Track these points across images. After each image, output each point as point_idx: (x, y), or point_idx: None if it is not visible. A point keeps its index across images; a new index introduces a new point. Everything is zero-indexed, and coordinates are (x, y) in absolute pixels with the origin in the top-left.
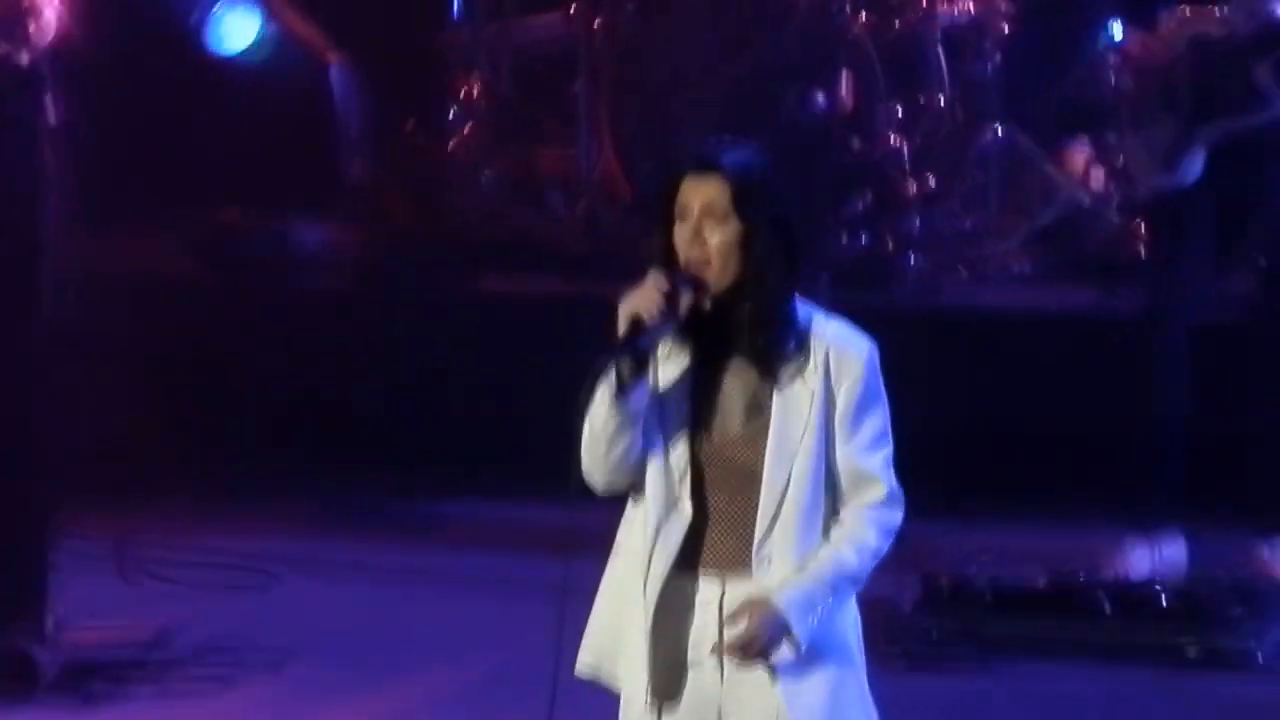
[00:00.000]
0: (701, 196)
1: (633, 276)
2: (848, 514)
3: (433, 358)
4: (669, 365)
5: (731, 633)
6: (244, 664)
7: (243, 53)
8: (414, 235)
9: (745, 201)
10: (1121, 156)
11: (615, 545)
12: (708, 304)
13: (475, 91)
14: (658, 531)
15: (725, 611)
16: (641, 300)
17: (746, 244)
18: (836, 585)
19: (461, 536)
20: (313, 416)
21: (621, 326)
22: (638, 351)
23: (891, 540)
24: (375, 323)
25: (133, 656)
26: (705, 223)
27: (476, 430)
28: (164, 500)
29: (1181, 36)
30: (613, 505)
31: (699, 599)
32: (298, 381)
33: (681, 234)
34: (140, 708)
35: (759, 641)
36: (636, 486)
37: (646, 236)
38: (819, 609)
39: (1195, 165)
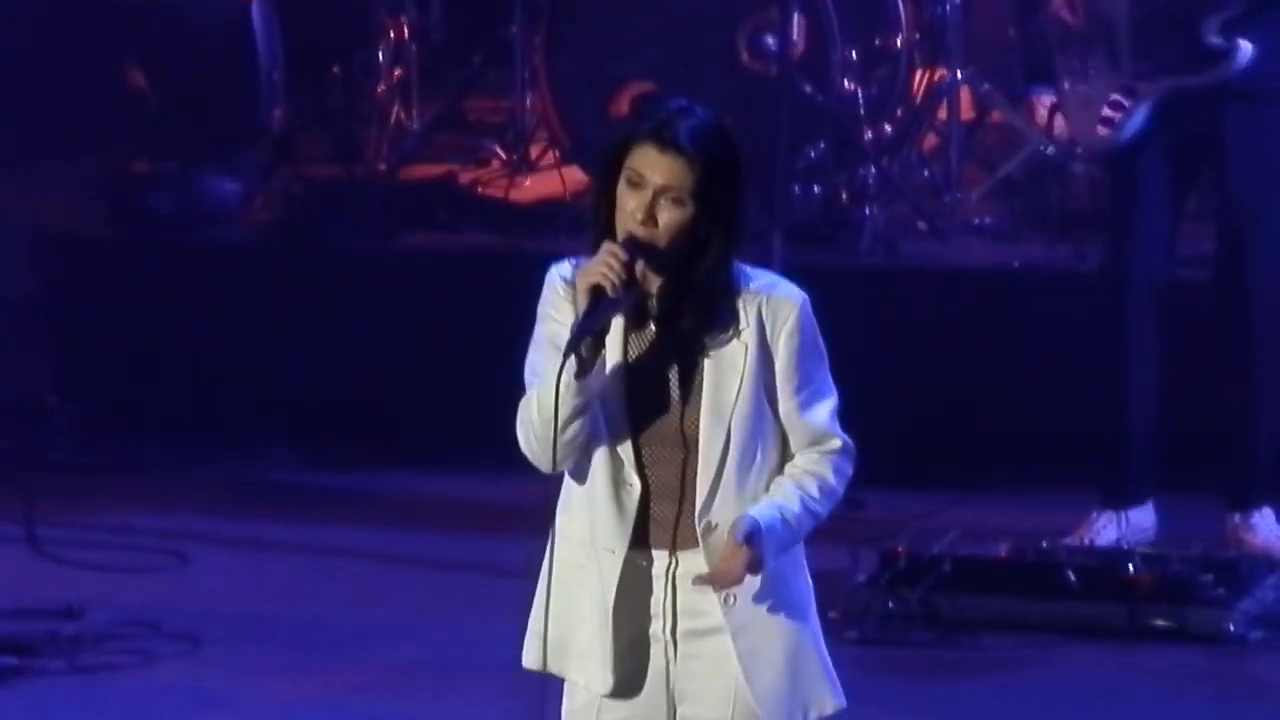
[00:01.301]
0: (662, 175)
1: (570, 229)
2: (801, 457)
3: (356, 317)
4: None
5: (715, 546)
6: (159, 642)
7: None
8: (337, 186)
9: (707, 190)
10: (1062, 113)
11: (554, 531)
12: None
13: (405, 33)
14: (609, 507)
15: (679, 586)
16: (603, 271)
17: (697, 227)
18: (800, 518)
19: (385, 513)
20: (225, 381)
21: (582, 300)
22: (600, 326)
23: (843, 490)
24: (295, 280)
25: (43, 631)
26: (660, 200)
27: (402, 397)
28: (65, 469)
29: None
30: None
31: (653, 574)
32: (209, 343)
33: (629, 202)
34: (53, 684)
35: (742, 570)
36: (579, 467)
37: (585, 190)
38: (785, 537)
39: (1136, 119)
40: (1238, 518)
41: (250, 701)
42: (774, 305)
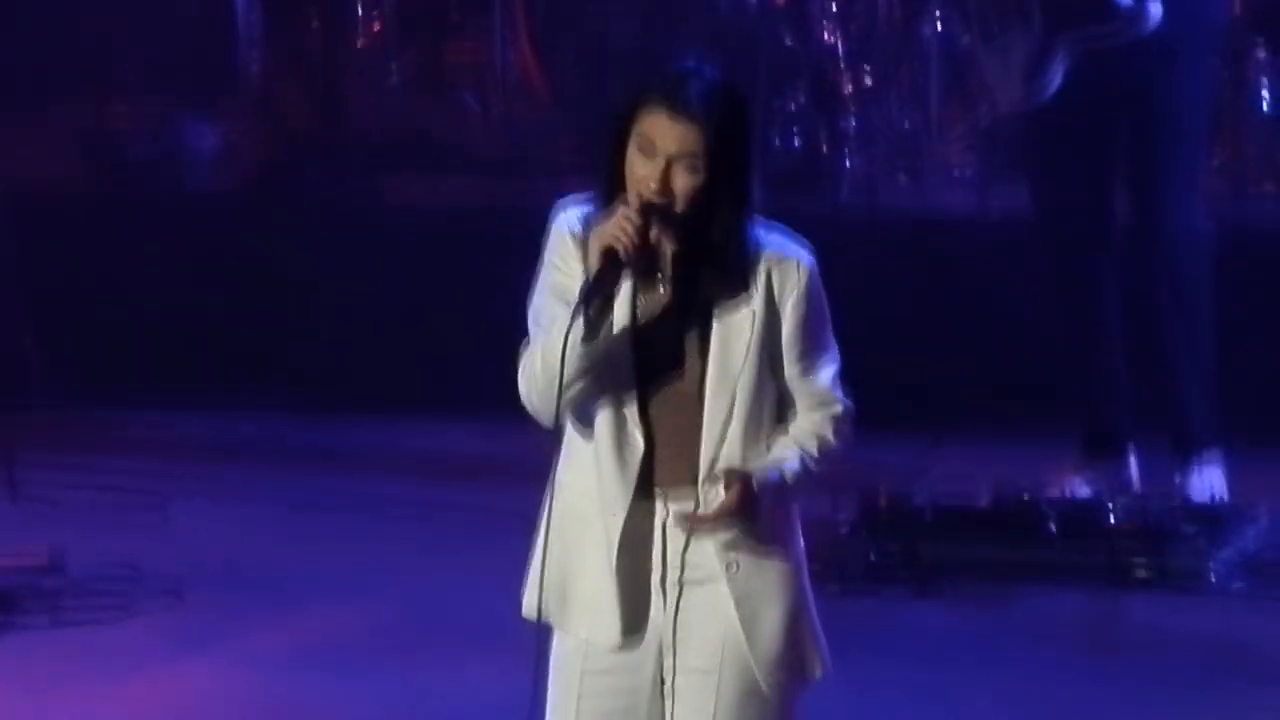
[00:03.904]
0: (676, 142)
1: (549, 180)
2: (804, 418)
3: (334, 267)
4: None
5: (715, 500)
6: (142, 593)
7: None
8: (316, 137)
9: (721, 155)
10: (980, 73)
11: (555, 482)
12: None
13: None
14: (612, 464)
15: (672, 541)
16: (616, 233)
17: (711, 191)
18: (799, 475)
19: (367, 463)
20: (206, 331)
21: (594, 261)
22: (610, 288)
23: (845, 451)
24: (273, 230)
25: (24, 583)
26: (673, 167)
27: (383, 346)
28: (46, 419)
29: None
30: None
31: (652, 529)
32: (187, 294)
33: (642, 169)
34: (35, 637)
35: (735, 515)
36: (583, 423)
37: (565, 138)
38: (781, 490)
39: (1055, 78)
40: (1178, 475)
41: (233, 652)
42: (782, 269)
